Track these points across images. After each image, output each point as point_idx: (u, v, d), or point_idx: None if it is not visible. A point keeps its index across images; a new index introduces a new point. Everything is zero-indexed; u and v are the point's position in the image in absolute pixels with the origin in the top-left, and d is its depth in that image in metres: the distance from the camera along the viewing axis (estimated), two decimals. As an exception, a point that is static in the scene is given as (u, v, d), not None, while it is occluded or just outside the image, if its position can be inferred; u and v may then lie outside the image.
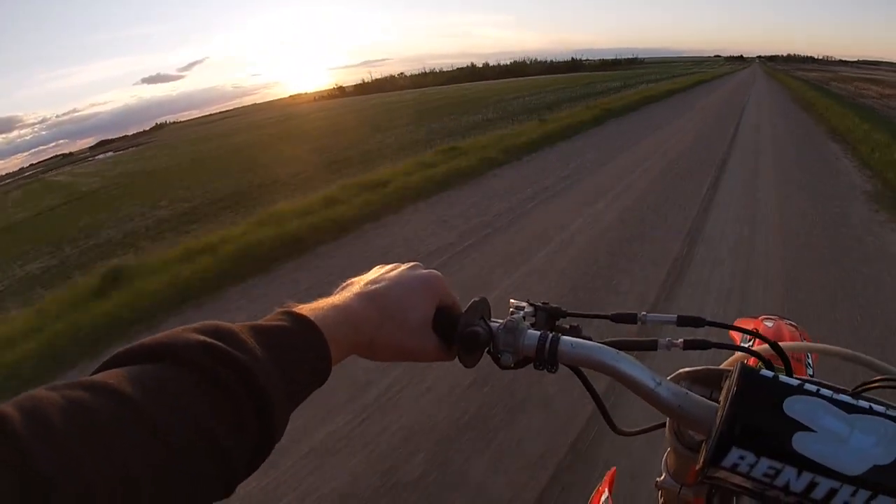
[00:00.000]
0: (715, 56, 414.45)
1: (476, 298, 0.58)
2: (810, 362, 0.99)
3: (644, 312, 0.61)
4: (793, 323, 1.20)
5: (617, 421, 0.68)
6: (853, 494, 0.40)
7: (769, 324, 1.17)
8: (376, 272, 0.58)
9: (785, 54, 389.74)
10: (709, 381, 0.58)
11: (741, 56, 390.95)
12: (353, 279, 0.57)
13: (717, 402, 0.47)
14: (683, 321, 0.59)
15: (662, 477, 0.69)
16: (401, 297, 0.54)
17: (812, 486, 0.41)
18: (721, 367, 0.60)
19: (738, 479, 0.44)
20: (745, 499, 0.61)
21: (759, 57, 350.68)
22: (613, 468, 1.00)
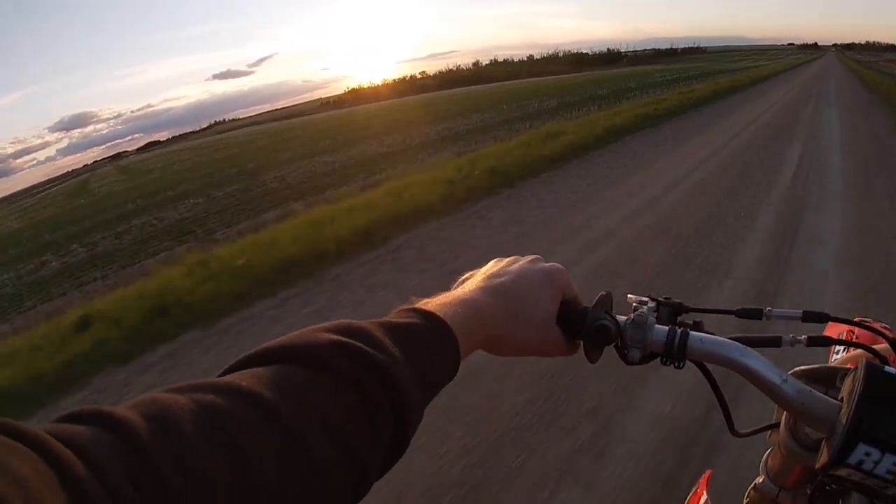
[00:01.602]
0: (788, 44, 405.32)
1: (602, 293, 0.58)
2: None
3: (769, 308, 0.60)
4: (887, 326, 1.00)
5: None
6: None
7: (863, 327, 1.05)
8: (496, 265, 0.57)
9: (863, 42, 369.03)
10: (825, 380, 0.58)
11: (815, 44, 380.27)
12: (471, 272, 0.57)
13: (837, 399, 0.49)
14: (809, 317, 0.59)
15: (762, 479, 0.72)
16: (527, 292, 0.53)
17: None
18: (834, 364, 0.62)
19: (859, 476, 0.45)
20: (854, 499, 0.62)
21: (836, 45, 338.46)
22: (709, 471, 1.01)
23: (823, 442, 0.48)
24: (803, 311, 0.59)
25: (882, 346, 0.61)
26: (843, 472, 0.45)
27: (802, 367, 0.60)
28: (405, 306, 0.45)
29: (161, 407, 0.27)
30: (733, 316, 0.63)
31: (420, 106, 46.27)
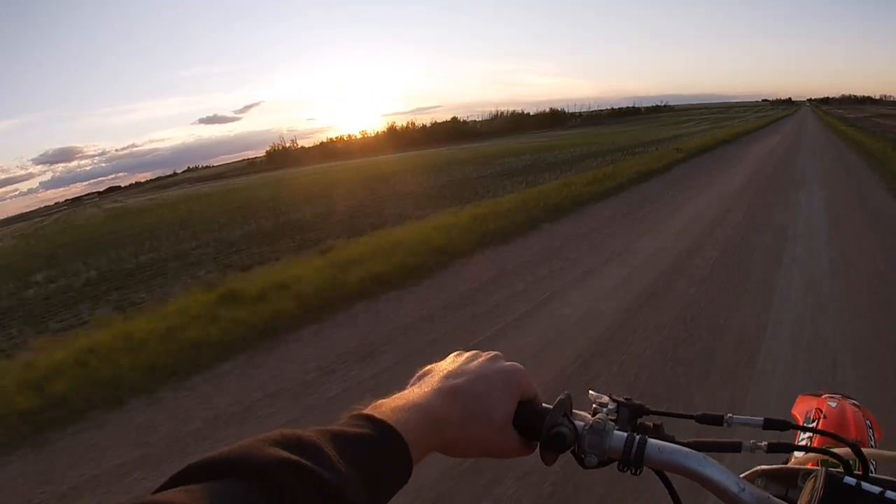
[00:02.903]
0: (763, 100, 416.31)
1: (562, 395, 0.61)
2: (873, 443, 1.05)
3: (730, 414, 0.63)
4: (856, 403, 1.25)
5: None
6: None
7: (833, 403, 1.23)
8: (454, 361, 0.60)
9: (839, 95, 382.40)
10: (786, 479, 0.63)
11: (790, 99, 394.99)
12: (430, 366, 0.60)
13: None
14: (770, 424, 0.62)
15: None
16: (483, 394, 0.56)
17: None
18: (793, 465, 0.69)
19: None
20: None
21: (810, 100, 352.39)
22: None
23: None
24: (764, 419, 0.62)
25: (844, 451, 0.65)
26: None
27: (764, 467, 0.66)
28: (357, 411, 0.47)
29: None
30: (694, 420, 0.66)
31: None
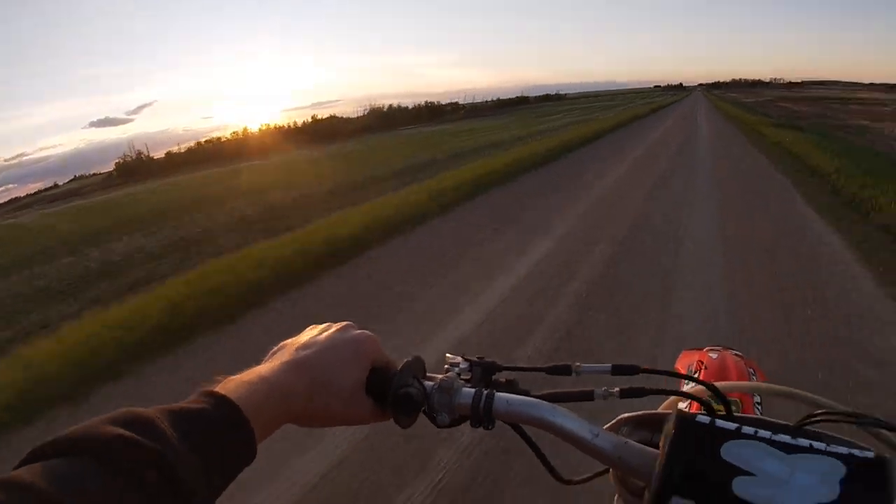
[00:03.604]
0: (655, 86, 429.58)
1: (409, 358, 0.64)
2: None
3: (578, 363, 0.67)
4: (739, 353, 1.36)
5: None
6: None
7: (713, 355, 1.33)
8: (308, 334, 0.64)
9: (729, 80, 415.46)
10: (651, 426, 0.64)
11: (681, 84, 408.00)
12: (285, 342, 0.64)
13: (658, 448, 0.53)
14: (618, 370, 0.66)
15: None
16: (332, 364, 0.59)
17: None
18: (661, 410, 0.71)
19: None
20: None
21: (701, 85, 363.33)
22: None
23: (646, 491, 0.52)
24: (612, 365, 0.65)
25: (699, 390, 0.67)
26: None
27: (628, 415, 0.66)
28: (203, 388, 0.49)
29: None
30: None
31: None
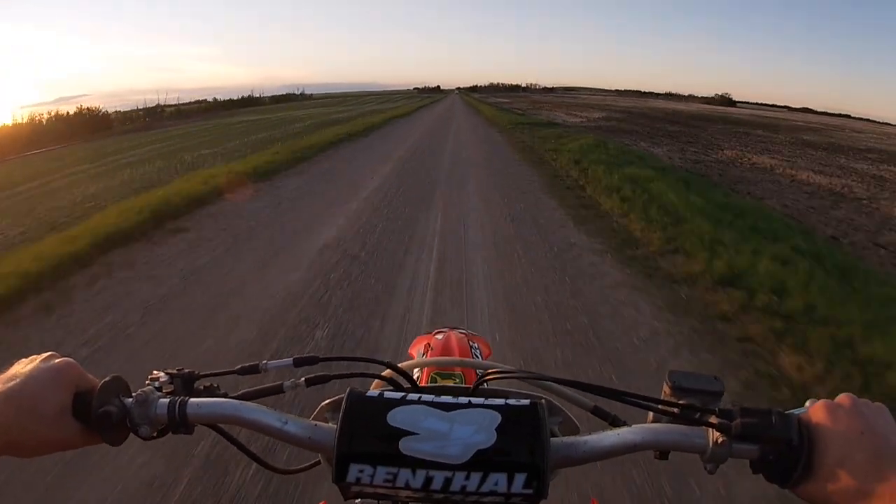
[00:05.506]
0: (413, 88, 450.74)
1: (107, 378, 0.70)
2: (480, 360, 1.57)
3: (265, 362, 0.81)
4: (465, 331, 1.68)
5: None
6: (467, 478, 0.57)
7: (439, 336, 1.62)
8: (14, 368, 0.69)
9: (486, 84, 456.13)
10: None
11: (438, 87, 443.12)
12: None
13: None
14: (299, 362, 0.80)
15: None
16: (34, 393, 0.64)
17: (429, 480, 0.57)
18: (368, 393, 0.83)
19: (369, 490, 0.60)
20: None
21: (459, 88, 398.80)
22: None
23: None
24: (293, 358, 0.80)
25: (381, 369, 0.83)
26: (354, 489, 0.60)
27: (329, 400, 0.74)
28: None
29: None
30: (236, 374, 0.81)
31: None
